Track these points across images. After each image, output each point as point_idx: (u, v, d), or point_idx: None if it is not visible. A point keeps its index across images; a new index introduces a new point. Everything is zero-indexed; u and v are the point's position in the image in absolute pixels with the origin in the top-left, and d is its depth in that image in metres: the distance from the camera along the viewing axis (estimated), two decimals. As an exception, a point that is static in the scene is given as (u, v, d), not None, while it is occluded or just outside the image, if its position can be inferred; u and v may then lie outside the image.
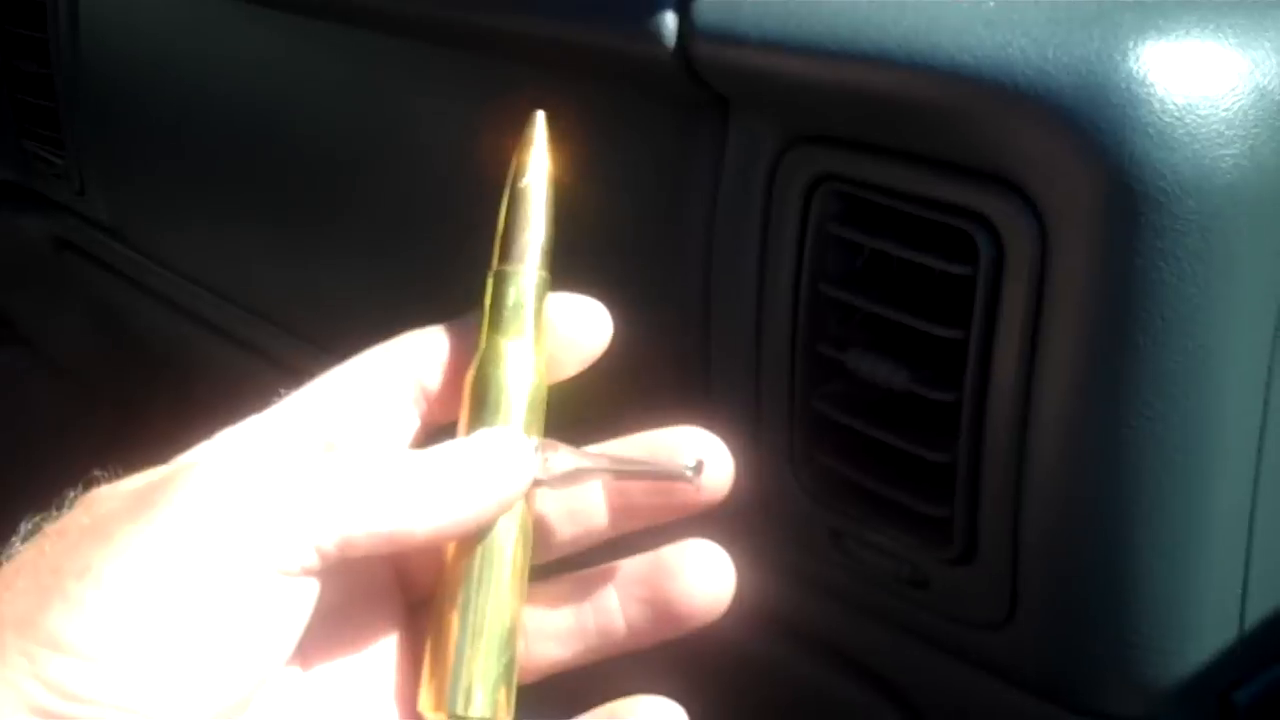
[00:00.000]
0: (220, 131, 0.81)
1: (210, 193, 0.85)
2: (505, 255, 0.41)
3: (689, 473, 0.39)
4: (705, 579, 0.40)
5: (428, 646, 0.39)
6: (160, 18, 0.84)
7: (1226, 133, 0.43)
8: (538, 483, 0.39)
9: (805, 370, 0.54)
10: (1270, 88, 0.44)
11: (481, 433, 0.38)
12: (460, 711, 0.38)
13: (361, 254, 0.76)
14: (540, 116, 0.42)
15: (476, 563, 0.39)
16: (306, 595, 0.36)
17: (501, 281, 0.40)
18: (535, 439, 0.39)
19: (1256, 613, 0.50)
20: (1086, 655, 0.50)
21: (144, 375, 1.06)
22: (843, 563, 0.55)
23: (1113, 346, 0.45)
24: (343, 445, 0.39)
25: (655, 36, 0.51)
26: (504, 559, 0.39)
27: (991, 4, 0.46)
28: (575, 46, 0.54)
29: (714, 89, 0.52)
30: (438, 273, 0.69)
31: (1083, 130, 0.43)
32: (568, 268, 0.49)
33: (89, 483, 0.38)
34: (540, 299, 0.41)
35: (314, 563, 0.35)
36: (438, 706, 0.39)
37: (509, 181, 0.41)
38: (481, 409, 0.39)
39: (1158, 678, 0.49)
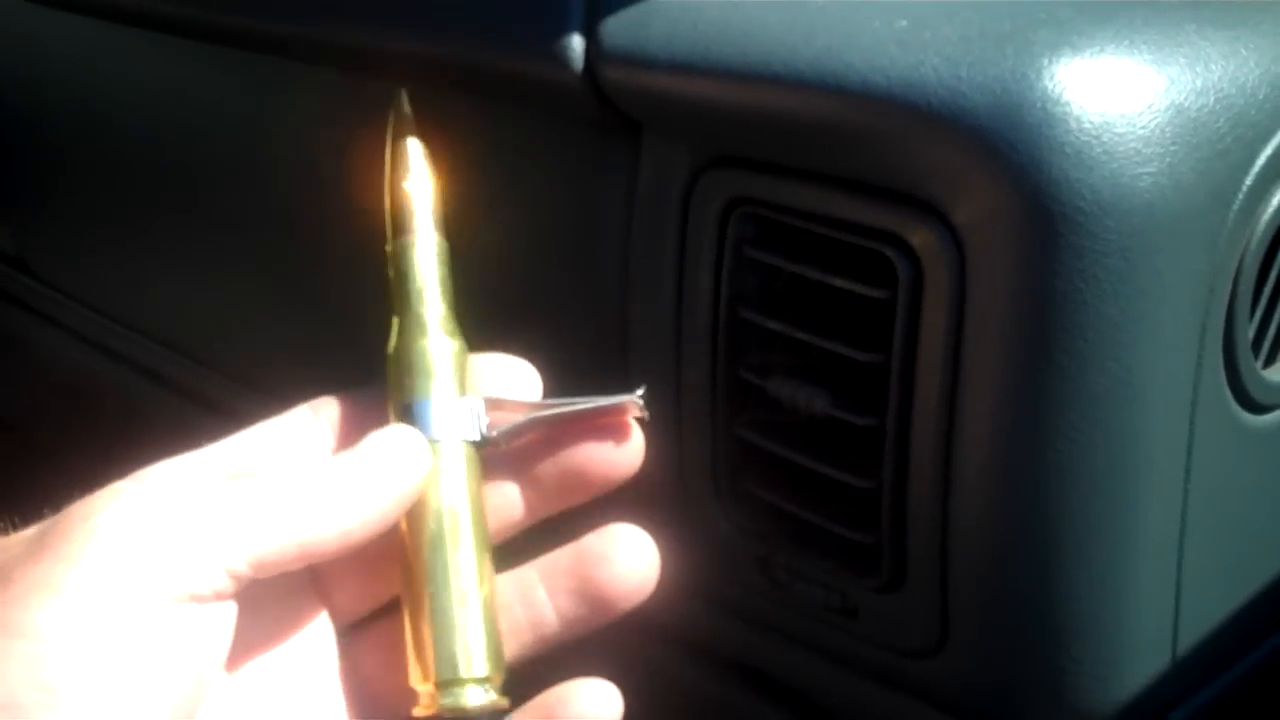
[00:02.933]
0: (123, 159, 0.79)
1: (114, 221, 0.82)
2: (398, 229, 0.41)
3: (637, 399, 0.41)
4: (631, 561, 0.40)
5: (407, 625, 0.39)
6: (51, 43, 0.81)
7: (1144, 151, 0.43)
8: (489, 443, 0.40)
9: (727, 397, 0.53)
10: (1186, 105, 0.44)
11: (375, 434, 0.39)
12: (457, 675, 0.38)
13: (270, 282, 0.75)
14: (403, 94, 0.42)
15: (440, 533, 0.39)
16: (224, 619, 0.36)
17: (400, 254, 0.41)
18: (478, 399, 0.40)
19: (1189, 634, 0.50)
20: (1020, 682, 0.49)
21: (51, 408, 1.03)
22: (772, 592, 0.54)
23: (1035, 368, 0.44)
24: (242, 471, 0.39)
25: (563, 60, 0.49)
26: (465, 524, 0.39)
27: (904, 23, 0.45)
28: (485, 71, 0.52)
29: (625, 112, 0.50)
30: (348, 298, 0.67)
31: (998, 150, 0.42)
32: (482, 296, 0.47)
33: None
34: (443, 264, 0.41)
35: (226, 585, 0.35)
36: (427, 677, 0.39)
37: (386, 163, 0.41)
38: (410, 381, 0.39)
39: (1092, 703, 0.48)
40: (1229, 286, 0.46)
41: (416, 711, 0.39)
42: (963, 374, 0.45)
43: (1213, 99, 0.44)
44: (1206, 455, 0.47)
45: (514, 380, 0.41)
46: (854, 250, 0.48)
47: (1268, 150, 0.46)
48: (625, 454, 0.41)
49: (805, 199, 0.48)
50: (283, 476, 0.37)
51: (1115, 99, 0.43)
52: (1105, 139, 0.42)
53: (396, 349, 0.40)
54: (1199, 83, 0.44)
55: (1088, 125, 0.42)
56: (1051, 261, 0.43)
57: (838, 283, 0.48)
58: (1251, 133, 0.45)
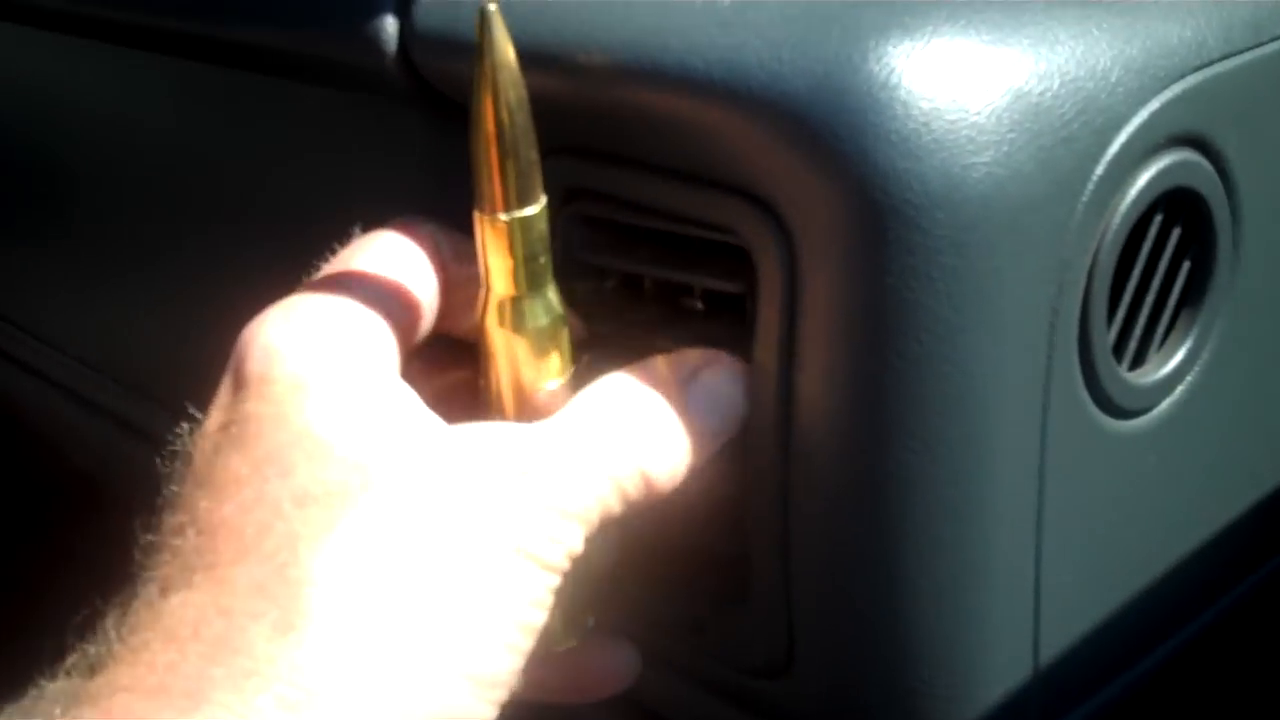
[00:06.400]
0: (42, 176, 0.76)
1: (34, 239, 0.79)
2: (511, 197, 0.39)
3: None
4: None
5: None
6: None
7: (978, 139, 0.40)
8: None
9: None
10: (1028, 89, 0.41)
11: (700, 364, 0.43)
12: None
13: (162, 284, 0.72)
14: (492, 11, 0.38)
15: None
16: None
17: (525, 228, 0.40)
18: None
19: (1052, 651, 0.47)
20: (870, 704, 0.46)
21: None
22: (622, 606, 0.51)
23: (868, 372, 0.41)
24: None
25: (376, 44, 0.46)
26: None
27: (726, 2, 0.42)
28: (301, 56, 0.49)
29: (450, 97, 0.47)
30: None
31: (821, 139, 0.40)
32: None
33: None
34: (552, 236, 0.41)
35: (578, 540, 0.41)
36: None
37: (476, 100, 0.38)
38: (543, 364, 0.41)
39: (948, 726, 0.46)
40: (1082, 284, 0.43)
41: None
42: (797, 377, 0.43)
43: (1058, 83, 0.41)
44: (1064, 464, 0.44)
45: None
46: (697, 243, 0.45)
47: (1121, 138, 0.43)
48: None
49: (637, 190, 0.45)
50: (624, 431, 0.41)
51: (948, 83, 0.40)
52: (936, 127, 0.39)
53: (535, 332, 0.41)
54: (1043, 65, 0.41)
55: (916, 112, 0.39)
56: (880, 258, 0.40)
57: (668, 276, 0.45)
58: (1102, 119, 0.42)
